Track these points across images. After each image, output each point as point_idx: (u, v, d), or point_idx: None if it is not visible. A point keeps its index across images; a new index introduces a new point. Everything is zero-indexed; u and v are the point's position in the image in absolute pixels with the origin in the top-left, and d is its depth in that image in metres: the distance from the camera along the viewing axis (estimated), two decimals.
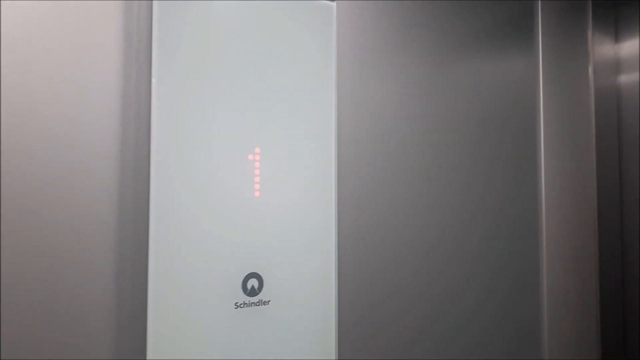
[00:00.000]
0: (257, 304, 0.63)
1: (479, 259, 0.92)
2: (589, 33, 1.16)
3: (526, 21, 1.04)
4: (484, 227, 0.93)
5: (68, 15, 0.53)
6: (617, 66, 1.24)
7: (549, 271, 1.02)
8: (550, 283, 1.02)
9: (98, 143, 0.54)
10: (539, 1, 1.05)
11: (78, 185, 0.53)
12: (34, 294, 0.50)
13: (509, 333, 0.96)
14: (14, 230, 0.49)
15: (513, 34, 1.01)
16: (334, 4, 0.71)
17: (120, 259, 0.55)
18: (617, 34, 1.25)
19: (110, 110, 0.55)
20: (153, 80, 0.56)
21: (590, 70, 1.16)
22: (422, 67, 0.84)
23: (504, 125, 0.98)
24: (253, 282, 0.63)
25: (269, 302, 0.64)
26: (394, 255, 0.79)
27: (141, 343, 0.55)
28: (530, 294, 1.01)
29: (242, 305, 0.61)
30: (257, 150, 0.63)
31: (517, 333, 0.98)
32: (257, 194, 0.63)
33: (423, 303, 0.82)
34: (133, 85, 0.57)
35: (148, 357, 0.54)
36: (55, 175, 0.52)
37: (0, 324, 0.48)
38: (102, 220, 0.54)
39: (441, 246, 0.86)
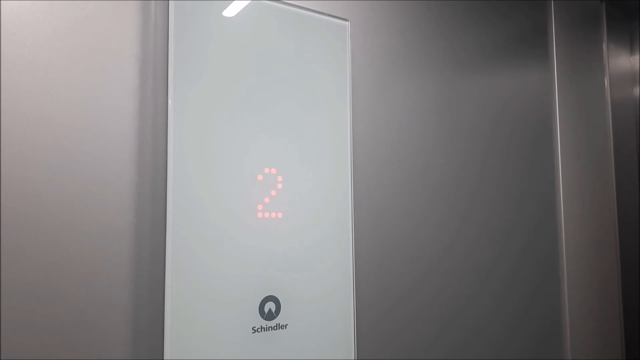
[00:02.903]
0: (275, 328, 0.61)
1: (496, 261, 0.90)
2: (604, 46, 1.14)
3: (539, 35, 1.03)
4: (501, 231, 0.91)
5: (87, 39, 0.53)
6: (633, 77, 1.23)
7: (570, 273, 1.00)
8: (571, 284, 1.00)
9: (115, 167, 0.54)
10: (552, 17, 1.04)
11: (96, 211, 0.52)
12: (54, 299, 0.49)
13: (530, 333, 0.94)
14: (39, 238, 0.48)
15: (526, 48, 1.00)
16: (347, 23, 0.70)
17: (137, 283, 0.54)
18: (633, 46, 1.23)
19: (127, 131, 0.55)
20: (169, 101, 0.56)
21: (606, 82, 1.14)
22: (437, 82, 0.84)
23: (521, 137, 0.96)
24: (270, 306, 0.61)
25: (287, 327, 0.62)
26: (415, 275, 0.77)
27: None
28: (550, 295, 0.98)
29: (259, 330, 0.60)
30: (274, 171, 0.62)
31: (538, 334, 0.95)
32: (274, 215, 0.62)
33: (441, 319, 0.80)
34: (150, 108, 0.56)
35: None
36: (73, 198, 0.51)
37: (12, 327, 0.47)
38: (119, 252, 0.53)
39: (461, 260, 0.84)
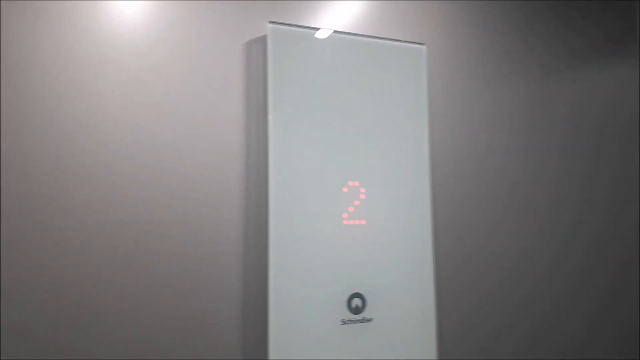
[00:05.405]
0: (361, 321, 0.70)
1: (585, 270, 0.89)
2: None
3: (626, 36, 0.99)
4: (588, 236, 0.90)
5: (201, 79, 0.67)
6: None
7: None
8: None
9: (226, 181, 0.67)
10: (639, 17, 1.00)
11: (207, 221, 0.66)
12: (178, 298, 0.63)
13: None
14: (167, 239, 0.63)
15: (613, 49, 0.97)
16: (424, 46, 0.77)
17: (245, 283, 0.66)
18: None
19: (235, 150, 0.68)
20: (269, 121, 0.67)
21: None
22: (517, 94, 0.86)
23: (607, 141, 0.94)
24: (357, 302, 0.70)
25: (372, 320, 0.70)
26: (495, 278, 0.81)
27: (263, 357, 0.66)
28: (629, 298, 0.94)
29: (347, 322, 0.69)
30: (357, 184, 0.71)
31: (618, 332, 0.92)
32: (357, 222, 0.71)
33: (528, 318, 0.82)
34: (253, 128, 0.69)
35: None
36: (187, 216, 0.65)
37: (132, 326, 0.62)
38: (229, 253, 0.66)
39: (547, 265, 0.85)
